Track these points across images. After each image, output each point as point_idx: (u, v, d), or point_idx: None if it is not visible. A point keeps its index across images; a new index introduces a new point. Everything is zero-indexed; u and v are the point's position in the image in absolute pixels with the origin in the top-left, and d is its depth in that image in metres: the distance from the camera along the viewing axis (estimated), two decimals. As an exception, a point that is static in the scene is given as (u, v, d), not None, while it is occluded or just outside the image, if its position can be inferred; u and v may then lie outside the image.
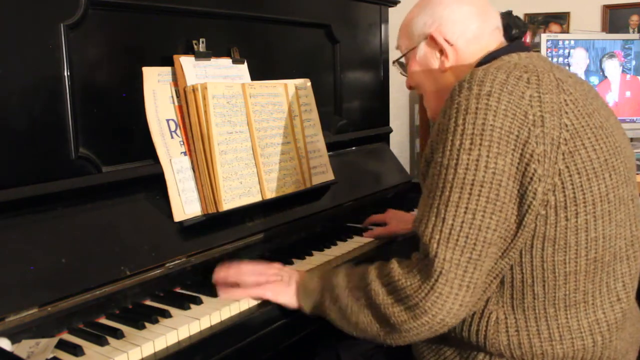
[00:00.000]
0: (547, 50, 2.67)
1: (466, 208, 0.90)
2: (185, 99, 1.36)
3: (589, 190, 0.94)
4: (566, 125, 0.93)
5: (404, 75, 1.31)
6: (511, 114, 0.91)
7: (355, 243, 1.54)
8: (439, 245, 0.90)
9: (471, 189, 0.90)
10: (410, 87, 1.32)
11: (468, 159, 0.91)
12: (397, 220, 1.63)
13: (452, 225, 0.90)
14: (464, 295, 0.91)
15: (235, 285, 1.18)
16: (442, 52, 1.17)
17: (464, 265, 0.90)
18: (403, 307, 0.94)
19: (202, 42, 1.43)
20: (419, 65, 1.22)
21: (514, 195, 0.92)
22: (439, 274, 0.90)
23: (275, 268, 1.22)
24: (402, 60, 1.30)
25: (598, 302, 1.00)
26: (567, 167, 0.92)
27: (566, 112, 0.94)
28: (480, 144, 0.91)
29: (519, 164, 0.91)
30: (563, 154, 0.92)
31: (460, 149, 0.92)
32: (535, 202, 0.92)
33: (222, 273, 1.20)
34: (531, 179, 0.91)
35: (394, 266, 0.99)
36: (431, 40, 1.17)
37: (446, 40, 1.15)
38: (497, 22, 1.19)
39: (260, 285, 1.17)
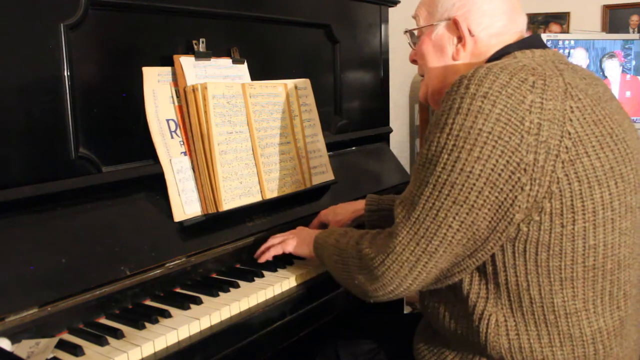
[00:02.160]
0: (547, 50, 2.66)
1: (433, 204, 0.93)
2: (185, 99, 1.36)
3: (589, 198, 0.92)
4: (569, 133, 0.91)
5: (411, 46, 1.24)
6: (504, 120, 0.89)
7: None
8: (402, 228, 0.97)
9: (442, 189, 0.92)
10: (413, 61, 1.24)
11: (447, 159, 0.92)
12: (333, 214, 1.55)
13: (418, 216, 0.95)
14: (415, 277, 0.97)
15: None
16: (460, 39, 1.11)
17: (419, 253, 0.95)
18: (363, 271, 1.04)
19: (202, 42, 1.43)
20: (432, 45, 1.15)
21: (489, 201, 0.90)
22: (391, 252, 0.98)
23: (298, 228, 1.43)
24: (415, 31, 1.21)
25: (600, 310, 0.98)
26: (566, 175, 0.90)
27: (570, 120, 0.92)
28: (462, 147, 0.90)
29: (502, 170, 0.89)
30: (562, 162, 0.90)
31: (443, 147, 0.92)
32: (512, 209, 0.90)
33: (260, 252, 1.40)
34: (513, 186, 0.89)
35: (369, 236, 1.07)
36: (453, 24, 1.10)
37: (469, 30, 1.09)
38: (522, 27, 1.13)
39: (283, 242, 1.36)
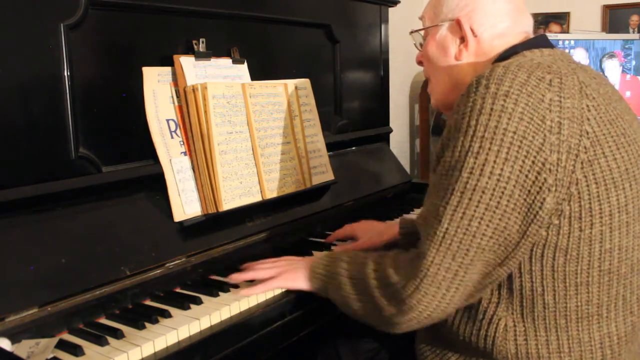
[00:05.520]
0: (547, 50, 2.67)
1: (463, 214, 0.89)
2: (185, 99, 1.36)
3: (606, 200, 0.90)
4: (587, 133, 0.89)
5: (417, 48, 1.24)
6: (527, 118, 0.87)
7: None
8: (431, 246, 0.91)
9: (472, 195, 0.88)
10: (419, 63, 1.24)
11: (474, 163, 0.88)
12: (368, 233, 1.50)
13: (447, 229, 0.89)
14: (453, 295, 0.91)
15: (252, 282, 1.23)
16: (463, 40, 1.10)
17: (455, 269, 0.90)
18: (392, 301, 0.96)
19: (202, 42, 1.43)
20: (436, 46, 1.14)
21: (519, 204, 0.88)
22: (425, 275, 0.91)
23: (284, 259, 1.26)
24: (421, 32, 1.21)
25: (612, 315, 0.97)
26: (585, 176, 0.89)
27: (588, 119, 0.90)
28: (489, 148, 0.87)
29: (529, 171, 0.87)
30: (582, 163, 0.88)
31: (468, 151, 0.89)
32: (542, 212, 0.88)
33: (237, 275, 1.23)
34: (540, 188, 0.87)
35: (389, 261, 1.00)
36: (456, 24, 1.10)
37: (472, 30, 1.09)
38: (528, 28, 1.12)
39: (276, 276, 1.20)
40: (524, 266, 0.94)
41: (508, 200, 0.88)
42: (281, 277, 1.20)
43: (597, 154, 0.90)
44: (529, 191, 0.88)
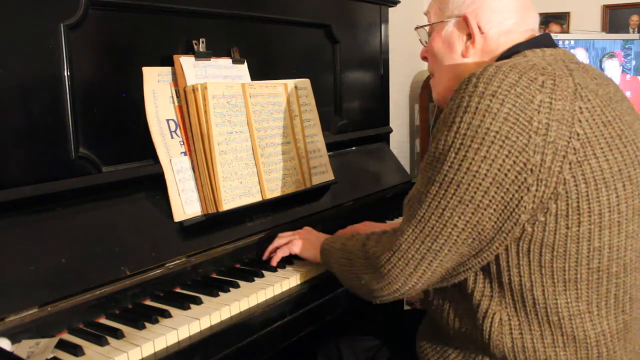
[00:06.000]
0: (547, 50, 2.67)
1: (438, 203, 0.93)
2: (185, 99, 1.36)
3: (596, 200, 0.91)
4: (577, 134, 0.90)
5: (422, 43, 1.23)
6: (512, 119, 0.88)
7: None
8: (409, 226, 0.97)
9: (447, 187, 0.92)
10: (424, 58, 1.24)
11: (454, 158, 0.91)
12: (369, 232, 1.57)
13: (424, 214, 0.95)
14: (420, 276, 0.98)
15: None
16: (470, 37, 1.10)
17: (424, 251, 0.96)
18: (369, 270, 1.05)
19: (202, 42, 1.43)
20: (442, 42, 1.14)
21: (495, 201, 0.90)
22: (396, 250, 0.98)
23: (305, 230, 1.44)
24: (426, 28, 1.20)
25: (604, 313, 0.97)
26: (573, 176, 0.89)
27: (579, 121, 0.91)
28: (470, 146, 0.90)
29: (509, 170, 0.89)
30: (570, 164, 0.89)
31: (451, 146, 0.92)
32: (518, 210, 0.90)
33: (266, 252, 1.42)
34: (519, 187, 0.89)
35: (374, 236, 1.10)
36: (463, 21, 1.09)
37: (479, 27, 1.08)
38: (534, 25, 1.12)
39: (289, 244, 1.38)
40: (512, 260, 0.95)
41: (483, 197, 0.90)
42: (294, 244, 1.37)
43: (587, 155, 0.91)
44: (507, 189, 0.90)
